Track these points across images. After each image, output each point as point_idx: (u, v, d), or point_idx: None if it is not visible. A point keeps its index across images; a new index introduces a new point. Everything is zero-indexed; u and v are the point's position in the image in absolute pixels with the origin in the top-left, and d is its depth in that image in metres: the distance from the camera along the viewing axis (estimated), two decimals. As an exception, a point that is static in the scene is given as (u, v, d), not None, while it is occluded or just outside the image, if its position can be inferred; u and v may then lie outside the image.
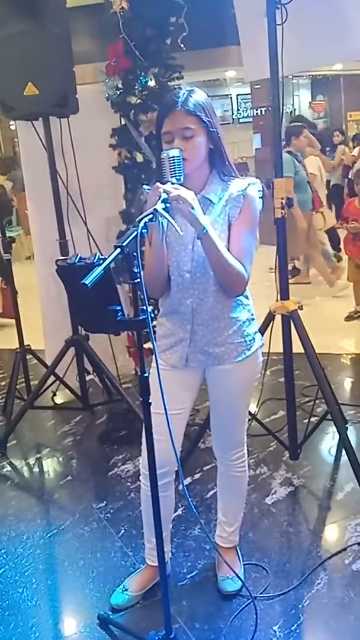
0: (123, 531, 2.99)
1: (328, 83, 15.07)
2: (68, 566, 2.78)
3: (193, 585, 2.59)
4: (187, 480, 3.32)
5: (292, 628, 2.31)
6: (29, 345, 4.33)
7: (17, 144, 10.85)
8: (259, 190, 2.19)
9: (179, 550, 2.79)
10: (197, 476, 3.38)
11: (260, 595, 2.48)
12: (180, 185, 1.96)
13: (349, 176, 10.29)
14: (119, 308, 1.83)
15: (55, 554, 2.91)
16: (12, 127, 13.08)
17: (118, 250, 1.75)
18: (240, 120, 14.75)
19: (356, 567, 2.59)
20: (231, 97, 14.80)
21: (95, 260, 1.79)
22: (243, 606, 2.43)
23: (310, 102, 15.89)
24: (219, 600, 2.48)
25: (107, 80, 3.85)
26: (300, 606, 2.41)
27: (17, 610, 2.54)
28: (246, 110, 14.48)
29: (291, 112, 12.73)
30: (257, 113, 11.86)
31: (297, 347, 3.15)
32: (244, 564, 2.63)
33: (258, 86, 10.65)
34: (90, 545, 2.91)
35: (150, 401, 1.92)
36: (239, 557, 2.64)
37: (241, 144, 13.66)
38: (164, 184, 1.93)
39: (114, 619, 2.40)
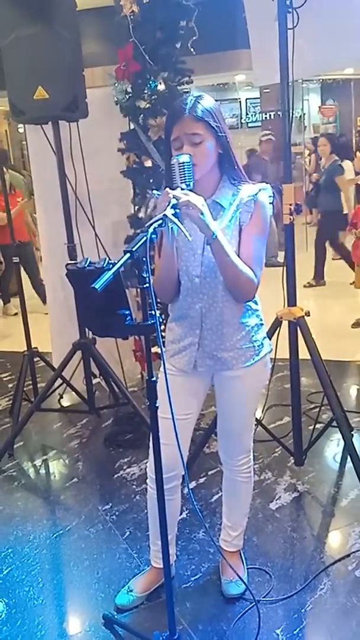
0: (128, 533, 3.01)
1: (338, 87, 15.03)
2: (73, 566, 2.81)
3: (197, 587, 2.61)
4: (192, 484, 3.34)
5: (295, 632, 2.32)
6: (36, 348, 4.36)
7: (25, 146, 10.85)
8: (270, 196, 2.20)
9: (183, 553, 2.81)
10: (202, 480, 3.40)
11: (264, 599, 2.50)
12: (190, 191, 1.98)
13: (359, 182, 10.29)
14: (127, 312, 1.85)
15: (61, 554, 2.93)
16: (20, 130, 13.12)
17: (128, 255, 1.77)
18: (249, 125, 14.75)
19: (359, 574, 2.60)
20: (240, 101, 14.80)
21: (104, 265, 1.81)
22: (246, 609, 2.45)
23: (320, 107, 15.87)
24: (222, 603, 2.50)
25: (116, 84, 3.86)
26: (302, 610, 2.43)
27: (23, 608, 2.57)
28: (255, 115, 14.48)
29: (300, 116, 12.71)
30: (266, 117, 11.86)
31: (304, 353, 3.16)
32: (247, 568, 2.65)
33: (267, 90, 10.68)
34: (96, 547, 2.93)
35: (157, 405, 1.93)
36: (242, 561, 2.66)
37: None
38: (173, 189, 1.95)
39: (118, 619, 2.43)
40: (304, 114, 14.91)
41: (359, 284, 5.86)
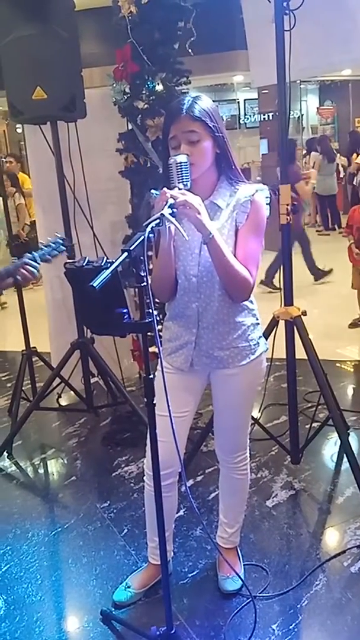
0: (126, 530, 3.03)
1: (336, 88, 15.03)
2: (72, 563, 2.83)
3: (194, 584, 2.63)
4: (190, 482, 3.36)
5: (291, 627, 2.35)
6: (34, 347, 4.37)
7: (23, 146, 10.82)
8: (266, 197, 2.22)
9: (181, 549, 2.83)
10: (199, 478, 3.42)
11: (260, 594, 2.52)
12: (188, 190, 2.00)
13: (354, 183, 10.36)
14: (125, 310, 1.87)
15: (60, 551, 2.96)
16: (19, 130, 13.11)
17: (125, 254, 1.79)
18: (247, 126, 14.76)
19: (354, 569, 2.63)
20: (238, 102, 14.80)
21: (103, 264, 1.84)
22: (243, 605, 2.47)
23: (318, 108, 15.88)
24: (219, 599, 2.53)
25: (114, 85, 3.87)
26: (298, 606, 2.45)
27: (22, 604, 2.59)
28: (253, 116, 14.49)
29: (298, 117, 12.73)
30: (264, 118, 11.88)
31: (300, 353, 3.18)
32: (244, 564, 2.67)
33: (266, 91, 10.68)
34: (94, 544, 2.95)
35: (154, 402, 1.95)
36: (239, 558, 2.68)
37: (248, 150, 13.68)
38: (171, 189, 1.97)
39: (116, 614, 2.45)
40: (302, 115, 14.93)
41: (357, 284, 5.89)
